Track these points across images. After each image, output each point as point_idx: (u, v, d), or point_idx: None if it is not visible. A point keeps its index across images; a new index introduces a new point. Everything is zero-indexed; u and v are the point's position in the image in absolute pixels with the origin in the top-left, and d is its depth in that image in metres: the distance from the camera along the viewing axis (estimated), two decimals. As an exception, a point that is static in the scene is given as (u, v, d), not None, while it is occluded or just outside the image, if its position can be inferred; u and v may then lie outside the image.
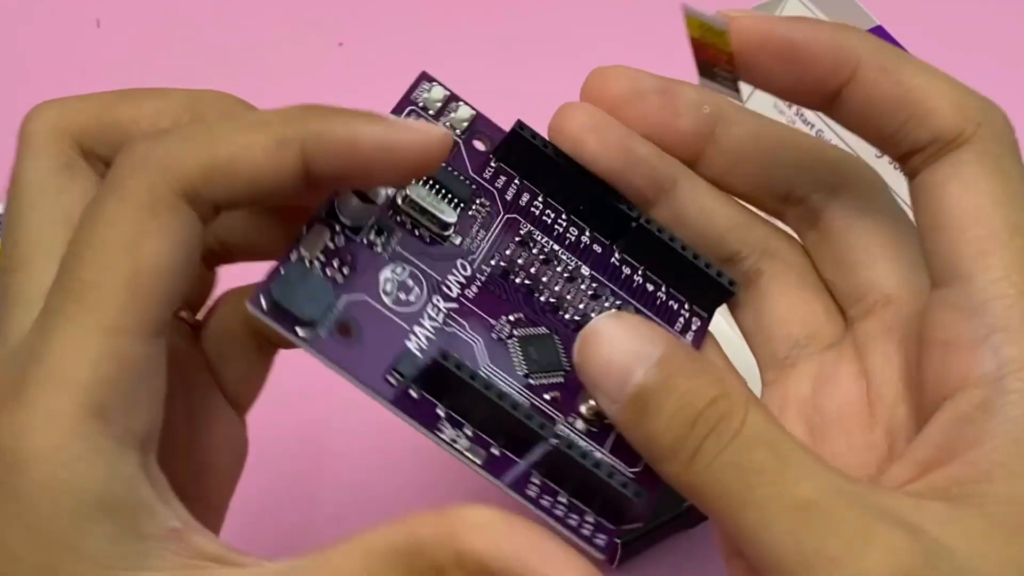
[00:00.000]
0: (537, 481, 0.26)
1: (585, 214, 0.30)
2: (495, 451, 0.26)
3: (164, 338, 0.25)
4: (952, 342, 0.23)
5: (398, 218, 0.28)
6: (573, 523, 0.26)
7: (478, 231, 0.29)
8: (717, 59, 0.27)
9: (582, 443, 0.27)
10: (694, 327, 0.30)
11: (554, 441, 0.26)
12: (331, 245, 0.27)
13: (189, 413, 0.31)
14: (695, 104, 0.29)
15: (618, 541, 0.39)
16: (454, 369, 0.25)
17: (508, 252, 0.29)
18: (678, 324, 0.30)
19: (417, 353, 0.27)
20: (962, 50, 0.57)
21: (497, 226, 0.29)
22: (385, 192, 0.28)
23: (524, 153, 0.30)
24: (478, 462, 0.26)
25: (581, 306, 0.29)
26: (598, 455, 0.27)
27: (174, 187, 0.25)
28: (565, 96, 0.29)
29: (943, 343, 0.23)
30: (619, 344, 0.25)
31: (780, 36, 0.26)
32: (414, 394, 0.26)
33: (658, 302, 0.30)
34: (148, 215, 0.25)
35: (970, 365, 0.23)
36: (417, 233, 0.28)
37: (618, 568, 0.40)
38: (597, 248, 0.30)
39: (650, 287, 0.30)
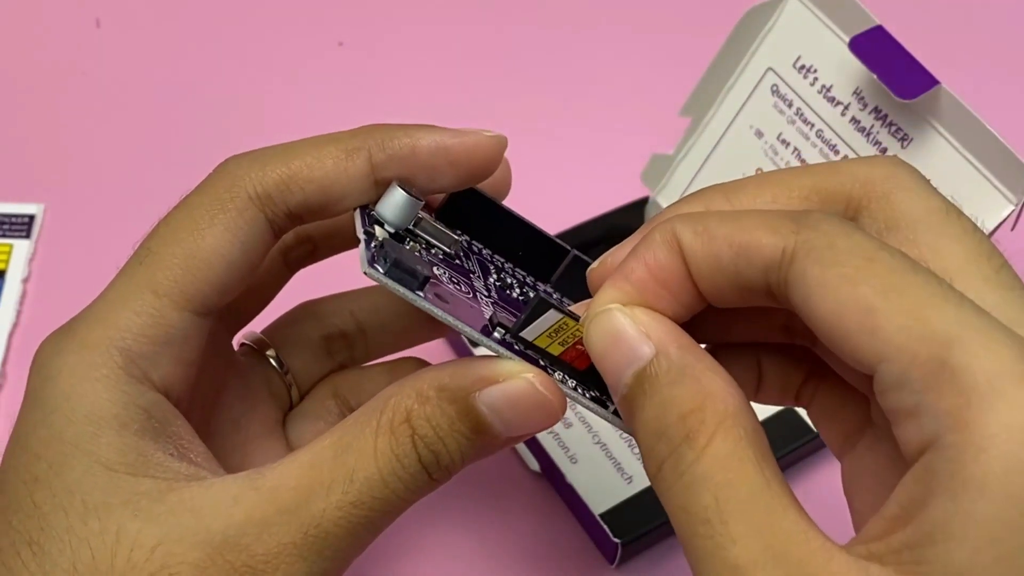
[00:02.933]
0: None
1: (523, 259, 0.33)
2: (595, 392, 0.29)
3: (207, 321, 0.30)
4: (899, 414, 0.23)
5: (416, 239, 0.30)
6: None
7: (465, 257, 0.32)
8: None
9: None
10: None
11: None
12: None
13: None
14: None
15: (617, 541, 0.39)
16: (557, 304, 0.28)
17: (495, 275, 0.32)
18: None
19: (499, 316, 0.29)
20: (962, 49, 0.57)
21: (474, 256, 0.32)
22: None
23: (462, 208, 0.32)
24: (587, 396, 0.29)
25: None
26: None
27: (250, 191, 0.29)
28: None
29: (894, 415, 0.24)
30: (616, 338, 0.26)
31: (628, 283, 0.27)
32: (517, 345, 0.28)
33: None
34: (219, 209, 0.29)
35: (917, 433, 0.23)
36: (432, 251, 0.31)
37: (618, 568, 0.40)
38: (540, 286, 0.33)
39: None
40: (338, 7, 0.59)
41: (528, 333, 0.28)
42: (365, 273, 0.27)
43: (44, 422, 0.28)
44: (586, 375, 0.29)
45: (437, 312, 0.28)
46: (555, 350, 0.28)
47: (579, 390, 0.29)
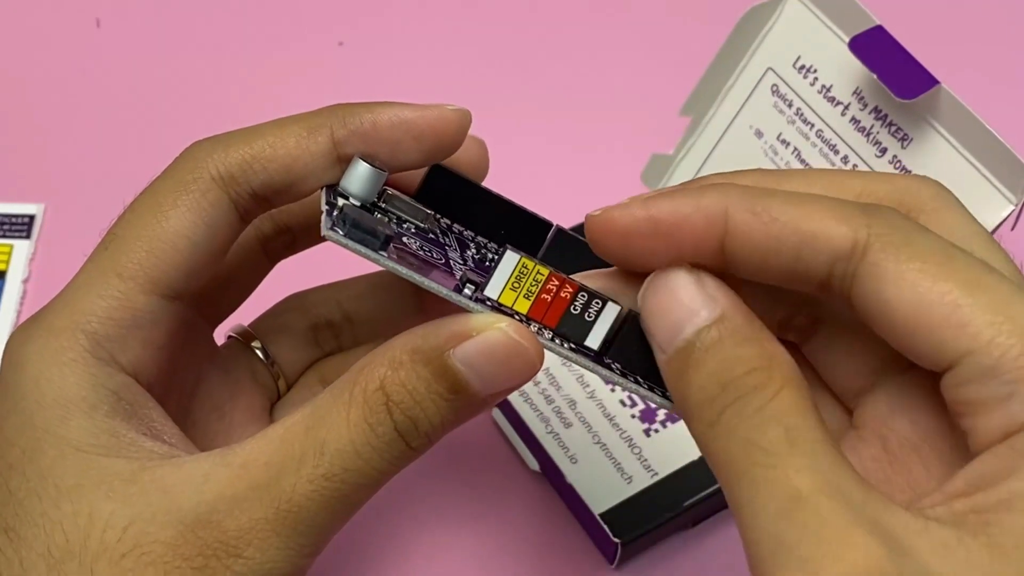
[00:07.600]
0: (615, 363, 0.28)
1: (505, 238, 0.32)
2: (574, 344, 0.28)
3: (176, 305, 0.30)
4: (982, 404, 0.24)
5: (386, 214, 0.30)
6: (658, 392, 0.28)
7: (441, 234, 0.31)
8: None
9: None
10: None
11: (626, 308, 0.28)
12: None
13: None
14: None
15: (618, 541, 0.39)
16: (537, 261, 0.27)
17: (474, 250, 0.31)
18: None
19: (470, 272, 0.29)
20: (962, 49, 0.57)
21: (450, 232, 0.32)
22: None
23: (440, 191, 0.32)
24: (565, 347, 0.28)
25: None
26: None
27: (212, 172, 0.29)
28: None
29: (974, 405, 0.24)
30: (680, 297, 0.26)
31: (642, 217, 0.26)
32: (489, 301, 0.28)
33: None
34: (182, 191, 0.29)
35: (1003, 420, 0.23)
36: (404, 226, 0.30)
37: (618, 568, 0.40)
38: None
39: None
40: (338, 7, 0.59)
41: (492, 287, 0.27)
42: (324, 236, 0.27)
43: (15, 409, 0.28)
44: (560, 329, 0.28)
45: (402, 271, 0.27)
46: (522, 306, 0.28)
47: (556, 340, 0.28)
